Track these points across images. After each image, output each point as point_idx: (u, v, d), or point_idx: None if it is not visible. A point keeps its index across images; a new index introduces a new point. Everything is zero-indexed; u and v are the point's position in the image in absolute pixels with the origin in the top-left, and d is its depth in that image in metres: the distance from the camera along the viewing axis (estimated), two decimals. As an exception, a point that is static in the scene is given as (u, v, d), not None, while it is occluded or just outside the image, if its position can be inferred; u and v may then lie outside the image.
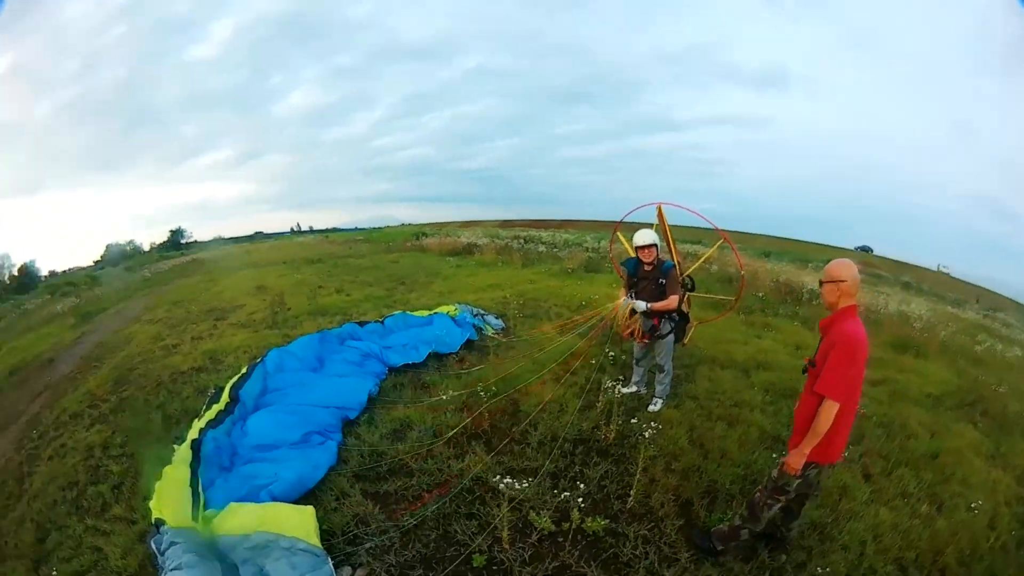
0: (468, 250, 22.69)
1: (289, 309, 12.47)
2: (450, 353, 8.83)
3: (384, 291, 15.08)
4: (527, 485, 4.84)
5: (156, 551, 4.16)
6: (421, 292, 14.64)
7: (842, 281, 3.80)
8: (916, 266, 23.99)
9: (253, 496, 4.99)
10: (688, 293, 7.06)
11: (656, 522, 5.00)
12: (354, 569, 4.42)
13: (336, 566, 4.27)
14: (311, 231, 34.88)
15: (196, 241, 30.08)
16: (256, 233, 32.95)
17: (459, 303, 11.22)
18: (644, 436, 5.23)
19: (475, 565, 4.44)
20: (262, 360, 7.66)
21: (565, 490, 5.08)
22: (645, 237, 6.50)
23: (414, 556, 4.54)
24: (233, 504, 4.84)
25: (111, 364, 9.95)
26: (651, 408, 7.03)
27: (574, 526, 4.63)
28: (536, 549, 4.62)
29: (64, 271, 23.51)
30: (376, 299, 13.86)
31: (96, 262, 25.31)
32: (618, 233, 8.11)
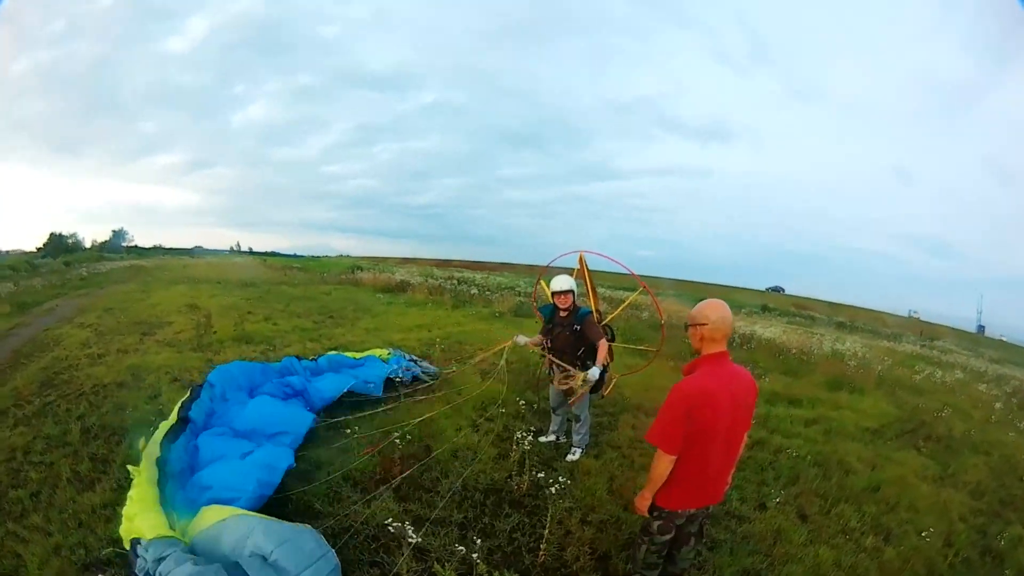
0: (401, 287, 23.03)
1: (215, 332, 12.25)
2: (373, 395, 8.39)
3: (312, 323, 15.01)
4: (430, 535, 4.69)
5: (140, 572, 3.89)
6: (348, 328, 14.53)
7: (703, 325, 3.50)
8: (850, 306, 24.64)
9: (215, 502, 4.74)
10: (608, 343, 6.74)
11: None
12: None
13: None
14: (250, 252, 34.75)
15: (136, 246, 29.94)
16: (196, 247, 32.97)
17: (392, 347, 11.00)
18: (551, 491, 4.93)
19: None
20: (207, 381, 7.25)
21: (472, 541, 4.64)
22: (561, 284, 6.33)
23: None
24: (204, 508, 4.59)
25: (39, 364, 9.70)
26: (569, 458, 6.72)
27: None
28: None
29: (7, 251, 23.22)
30: (303, 331, 13.76)
31: (39, 248, 25.03)
32: (542, 280, 7.91)
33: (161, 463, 5.26)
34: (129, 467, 5.37)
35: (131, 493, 4.87)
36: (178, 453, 5.57)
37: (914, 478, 7.17)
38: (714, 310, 3.51)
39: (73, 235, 27.63)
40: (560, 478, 5.11)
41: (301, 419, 6.81)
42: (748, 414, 3.70)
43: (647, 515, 3.82)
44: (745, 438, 3.79)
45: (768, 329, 17.57)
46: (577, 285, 6.52)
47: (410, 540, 4.37)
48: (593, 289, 7.34)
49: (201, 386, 7.02)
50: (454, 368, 9.03)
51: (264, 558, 3.89)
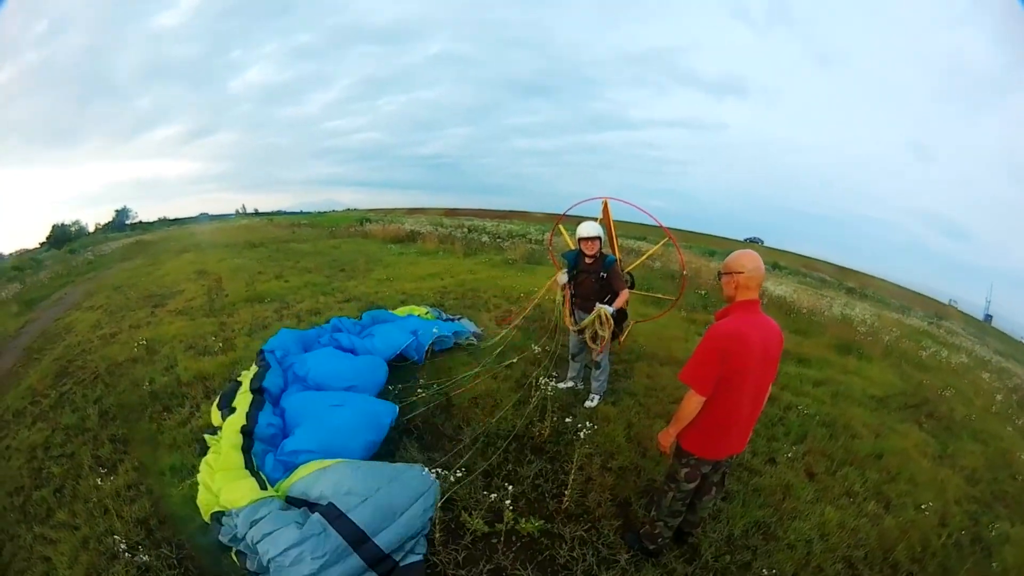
0: (411, 238, 22.69)
1: (227, 295, 12.28)
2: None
3: (324, 278, 14.91)
4: (456, 482, 4.75)
5: (229, 540, 4.28)
6: (360, 280, 14.48)
7: (739, 273, 3.67)
8: (860, 272, 24.62)
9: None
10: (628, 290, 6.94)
11: (593, 523, 4.91)
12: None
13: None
14: (256, 213, 34.35)
15: (141, 222, 29.50)
16: (201, 214, 32.47)
17: (429, 306, 10.85)
18: (579, 435, 5.08)
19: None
20: (263, 351, 7.31)
21: (498, 489, 4.84)
22: (589, 229, 6.41)
23: None
24: (301, 466, 4.89)
25: (52, 356, 9.66)
26: (587, 405, 6.95)
27: (508, 527, 4.53)
28: (470, 551, 4.51)
29: (10, 254, 22.94)
30: (315, 286, 13.71)
31: (42, 244, 24.75)
32: (560, 226, 8.04)
33: (248, 431, 5.43)
34: (206, 436, 5.68)
35: (208, 459, 5.17)
36: (267, 419, 5.73)
37: (915, 452, 7.40)
38: (751, 259, 3.67)
39: (75, 222, 27.17)
40: (585, 423, 5.23)
41: (376, 368, 7.04)
42: (775, 364, 3.88)
43: (668, 453, 4.05)
44: (769, 388, 3.98)
45: (779, 286, 17.69)
46: (603, 231, 6.65)
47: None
48: (615, 237, 7.48)
49: (263, 357, 7.12)
50: (501, 334, 8.87)
51: (364, 499, 4.26)
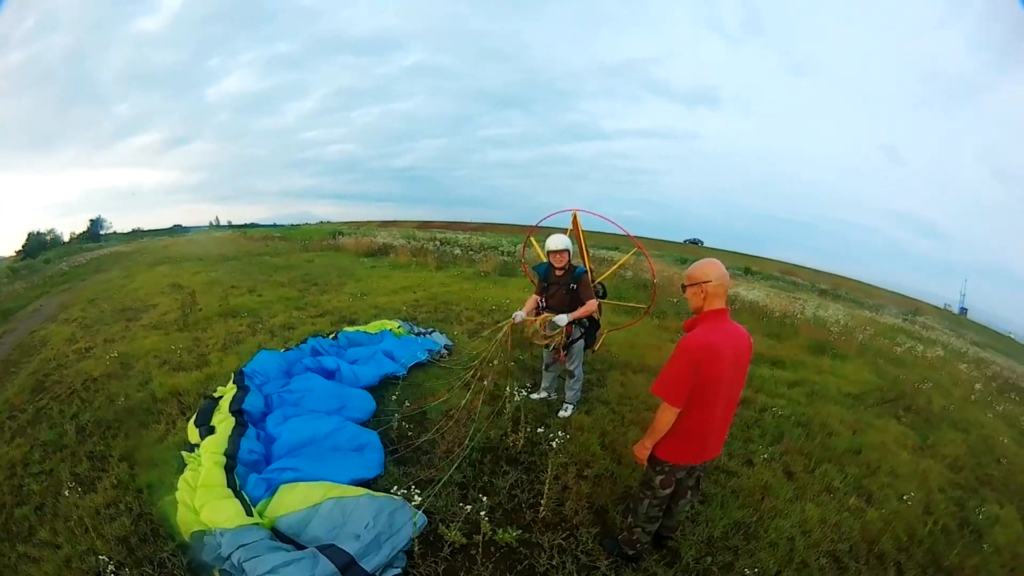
0: (383, 251, 22.83)
1: (200, 309, 12.19)
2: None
3: (297, 292, 14.96)
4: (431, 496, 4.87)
5: (212, 559, 4.22)
6: (333, 294, 14.51)
7: (706, 282, 3.66)
8: (833, 274, 24.95)
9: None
10: (599, 300, 7.02)
11: (571, 530, 4.91)
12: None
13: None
14: (229, 226, 34.16)
15: (115, 232, 29.28)
16: (175, 226, 32.29)
17: (400, 319, 10.93)
18: (551, 445, 5.16)
19: (388, 582, 4.29)
20: (242, 374, 7.34)
21: (474, 500, 4.90)
22: (557, 242, 6.47)
23: None
24: (285, 485, 4.98)
25: (28, 369, 9.58)
26: (561, 414, 6.97)
27: (485, 538, 4.51)
28: (449, 563, 4.50)
29: None
30: (288, 300, 13.72)
31: (18, 252, 24.54)
32: (531, 238, 8.07)
33: (230, 454, 5.39)
34: (183, 453, 5.62)
35: (186, 476, 5.11)
36: (250, 445, 5.70)
37: (894, 445, 7.50)
38: (714, 268, 3.68)
39: (51, 231, 27.08)
40: (558, 432, 5.31)
41: (362, 400, 7.01)
42: (745, 370, 3.91)
43: (645, 463, 4.05)
44: (740, 394, 4.00)
45: (752, 291, 17.90)
46: (572, 244, 6.68)
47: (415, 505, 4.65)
48: (586, 248, 7.50)
49: (242, 379, 7.13)
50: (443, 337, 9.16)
51: (357, 536, 4.31)
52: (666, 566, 4.55)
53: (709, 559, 4.66)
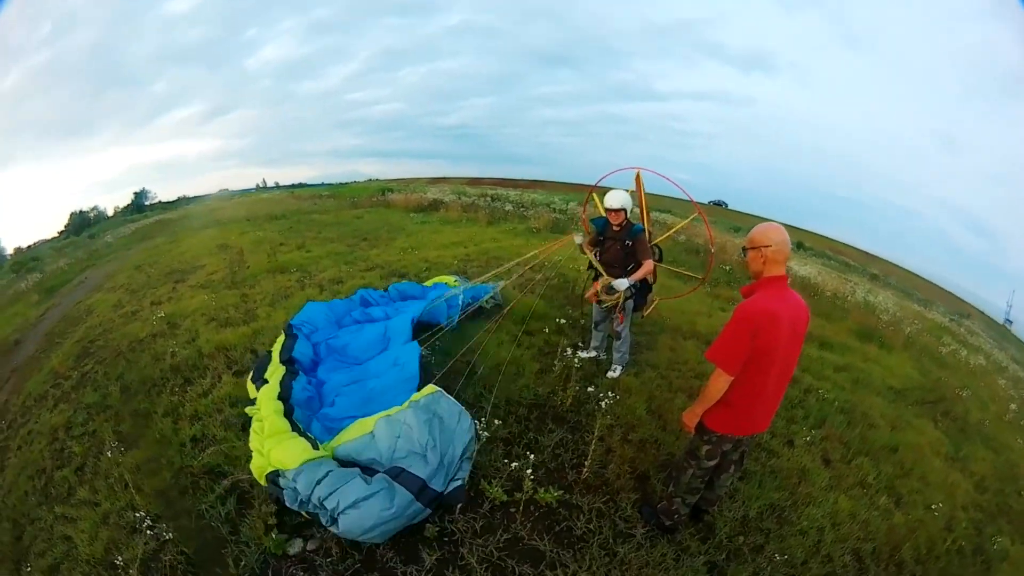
0: (434, 206, 22.53)
1: (248, 267, 12.27)
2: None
3: (346, 247, 14.93)
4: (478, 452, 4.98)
5: (293, 506, 4.47)
6: (383, 248, 14.53)
7: (766, 247, 3.62)
8: (884, 260, 24.52)
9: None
10: (656, 263, 6.97)
11: (611, 495, 5.03)
12: (305, 542, 4.44)
13: (288, 538, 4.43)
14: (277, 187, 34.28)
15: (160, 202, 29.51)
16: (222, 190, 32.40)
17: (457, 275, 10.82)
18: (600, 405, 5.17)
19: (426, 536, 4.43)
20: (291, 325, 7.49)
21: (518, 457, 5.03)
22: (614, 200, 6.43)
23: None
24: (349, 424, 5.32)
25: (73, 339, 9.78)
26: (610, 375, 7.07)
27: (527, 497, 4.59)
28: (488, 520, 4.64)
29: (30, 246, 22.95)
30: (337, 255, 13.73)
31: (60, 232, 24.77)
32: (594, 195, 8.09)
33: (284, 398, 5.60)
34: (247, 409, 5.79)
35: (255, 427, 5.30)
36: (301, 385, 5.92)
37: (929, 450, 7.48)
38: (778, 232, 3.64)
39: (94, 208, 27.03)
40: (608, 393, 5.34)
41: (406, 341, 7.08)
42: (801, 341, 3.84)
43: (692, 431, 4.09)
44: (795, 366, 3.97)
45: (804, 267, 17.68)
46: (631, 203, 6.64)
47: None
48: (647, 209, 7.46)
49: (290, 330, 7.28)
50: (502, 281, 9.14)
51: (424, 456, 4.68)
52: (700, 541, 4.67)
53: (741, 539, 4.78)
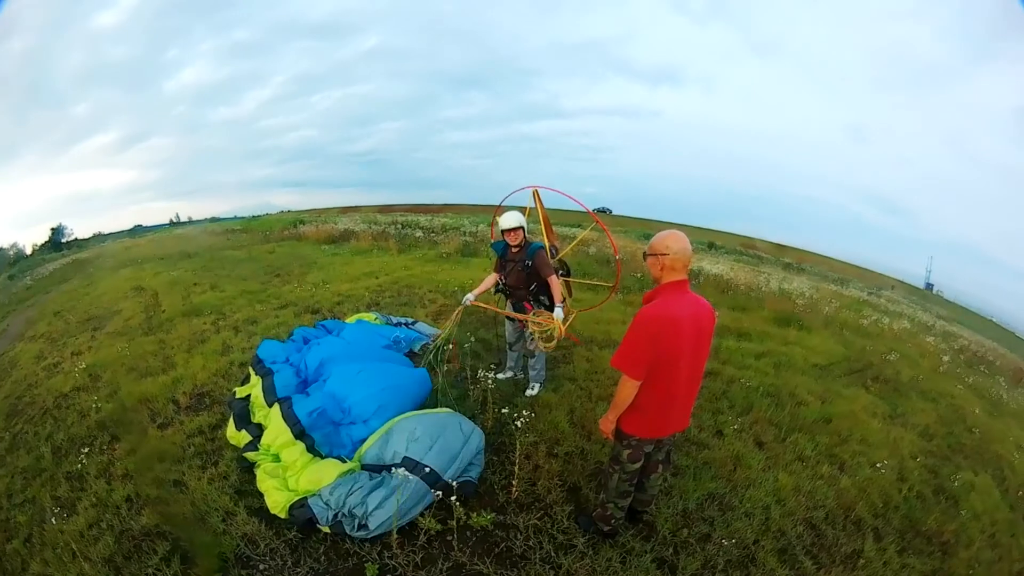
0: (344, 237, 22.45)
1: (164, 311, 12.05)
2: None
3: (259, 284, 14.67)
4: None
5: (326, 521, 4.59)
6: (296, 284, 14.28)
7: (663, 254, 3.66)
8: (797, 248, 25.15)
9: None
10: (564, 279, 6.96)
11: (545, 510, 4.93)
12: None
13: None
14: (190, 221, 33.58)
15: (76, 239, 28.72)
16: (136, 226, 31.68)
17: (374, 310, 10.59)
18: (516, 424, 5.09)
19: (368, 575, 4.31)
20: (258, 358, 7.49)
21: (449, 484, 4.82)
22: (510, 220, 6.40)
23: (307, 572, 4.42)
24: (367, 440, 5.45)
25: (1, 394, 9.26)
26: (529, 393, 6.94)
27: (460, 523, 4.54)
28: (427, 551, 4.52)
29: None
30: (250, 294, 13.45)
31: None
32: (497, 217, 7.95)
33: (300, 433, 5.60)
34: (247, 455, 5.63)
35: (265, 468, 5.29)
36: (306, 409, 5.86)
37: (864, 414, 7.58)
38: (676, 240, 3.66)
39: (13, 245, 26.37)
40: (524, 412, 5.24)
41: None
42: (708, 341, 3.90)
43: (611, 438, 4.08)
44: (704, 365, 4.00)
45: (716, 265, 17.85)
46: (529, 221, 6.62)
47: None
48: (548, 224, 7.33)
49: (261, 366, 7.19)
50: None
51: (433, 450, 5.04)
52: (643, 540, 4.59)
53: (685, 531, 4.70)
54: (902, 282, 22.50)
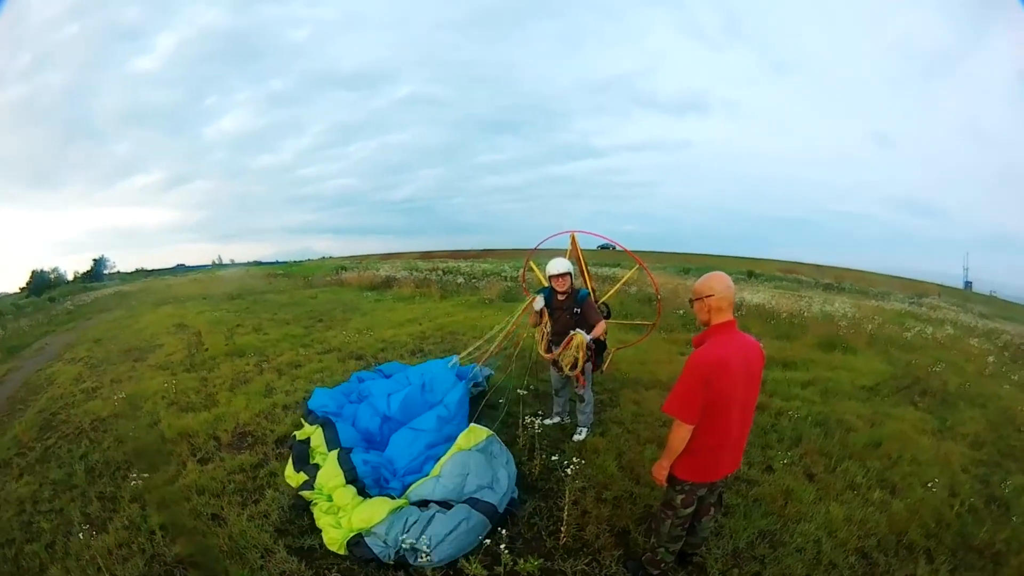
0: (387, 284, 22.86)
1: (207, 349, 12.22)
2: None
3: (302, 329, 14.93)
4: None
5: (382, 557, 4.76)
6: (339, 330, 14.44)
7: (709, 296, 3.69)
8: (835, 267, 24.92)
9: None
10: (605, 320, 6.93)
11: (593, 555, 4.87)
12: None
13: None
14: (232, 264, 34.23)
15: (119, 272, 29.40)
16: (178, 265, 32.43)
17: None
18: (567, 472, 5.08)
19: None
20: (310, 410, 7.63)
21: (492, 532, 4.92)
22: (558, 266, 6.43)
23: None
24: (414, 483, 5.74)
25: (36, 408, 9.62)
26: (576, 438, 6.93)
27: (506, 569, 4.47)
28: None
29: None
30: (293, 338, 13.71)
31: (22, 289, 24.71)
32: (531, 262, 8.04)
33: (352, 479, 5.75)
34: (303, 493, 5.78)
35: (321, 507, 5.44)
36: (360, 459, 6.05)
37: (913, 432, 7.46)
38: (719, 280, 3.68)
39: (55, 269, 27.29)
40: (573, 458, 5.25)
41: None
42: (758, 381, 3.89)
43: (665, 484, 4.04)
44: (755, 405, 3.99)
45: (757, 295, 17.79)
46: (572, 266, 6.63)
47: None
48: (586, 267, 7.45)
49: (317, 415, 7.29)
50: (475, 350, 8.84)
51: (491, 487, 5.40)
52: None
53: (736, 571, 4.64)
54: (941, 285, 22.20)
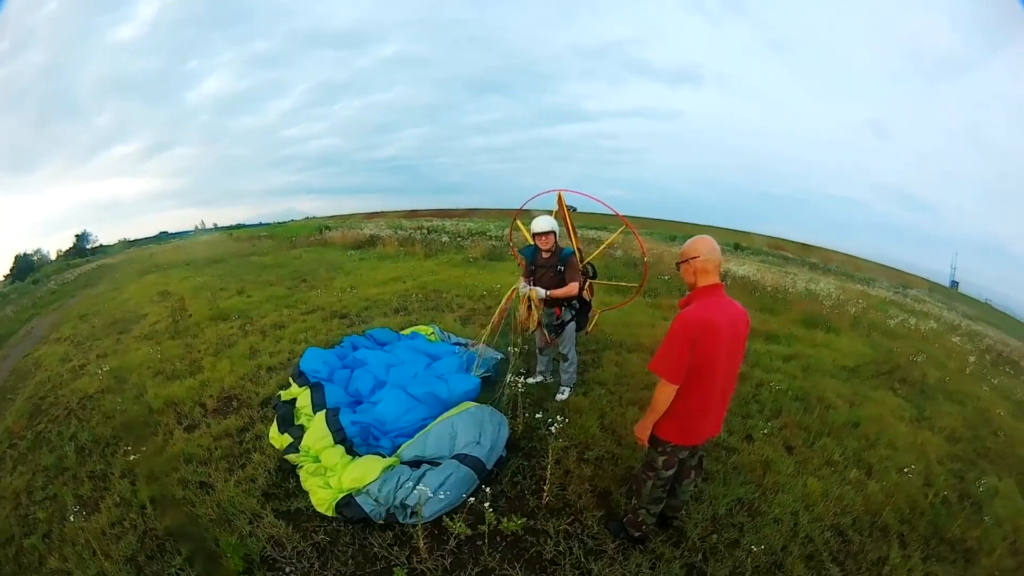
0: (371, 242, 22.51)
1: (190, 315, 12.05)
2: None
3: (286, 290, 14.76)
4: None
5: (373, 516, 4.83)
6: (322, 289, 14.31)
7: (695, 258, 3.72)
8: (822, 248, 24.93)
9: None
10: (590, 280, 7.01)
11: (576, 515, 4.95)
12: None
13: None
14: (215, 228, 33.79)
15: (101, 245, 29.01)
16: (161, 233, 31.94)
17: (432, 324, 10.10)
18: (550, 430, 5.13)
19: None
20: (300, 370, 7.63)
21: (476, 491, 5.00)
22: (542, 224, 6.40)
23: (334, 575, 4.46)
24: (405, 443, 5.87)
25: (24, 395, 9.45)
26: (558, 397, 6.97)
27: (490, 528, 4.49)
28: (456, 556, 4.54)
29: None
30: (278, 299, 13.56)
31: (6, 276, 24.32)
32: (518, 221, 7.98)
33: (342, 439, 5.81)
34: (288, 457, 5.77)
35: (307, 469, 5.47)
36: (349, 420, 6.13)
37: (891, 417, 7.54)
38: (704, 243, 3.72)
39: (37, 251, 26.72)
40: (556, 416, 5.29)
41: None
42: (743, 345, 3.93)
43: (647, 444, 4.06)
44: (739, 369, 4.03)
45: (742, 267, 17.80)
46: (557, 225, 6.63)
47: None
48: (573, 228, 7.44)
49: (306, 379, 7.30)
50: (471, 341, 8.79)
51: (479, 443, 5.49)
52: (672, 546, 4.61)
53: (715, 537, 4.71)
54: (928, 281, 22.29)
